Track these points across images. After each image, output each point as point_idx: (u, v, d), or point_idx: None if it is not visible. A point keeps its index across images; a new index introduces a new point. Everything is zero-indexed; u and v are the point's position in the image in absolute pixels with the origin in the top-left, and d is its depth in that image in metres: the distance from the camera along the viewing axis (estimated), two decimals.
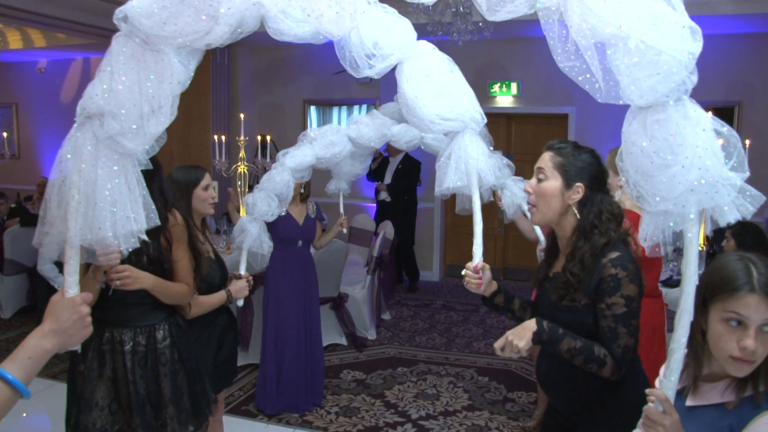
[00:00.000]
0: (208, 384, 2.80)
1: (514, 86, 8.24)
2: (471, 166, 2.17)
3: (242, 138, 6.43)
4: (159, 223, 1.85)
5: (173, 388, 2.58)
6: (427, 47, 2.14)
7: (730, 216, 1.44)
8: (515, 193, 3.75)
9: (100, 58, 1.80)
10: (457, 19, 5.45)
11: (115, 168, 1.74)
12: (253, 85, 9.37)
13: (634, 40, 1.40)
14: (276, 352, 4.48)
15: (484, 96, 7.96)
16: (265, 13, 1.80)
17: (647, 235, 1.53)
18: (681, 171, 1.42)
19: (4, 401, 1.39)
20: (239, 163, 6.47)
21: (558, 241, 2.24)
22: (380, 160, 8.09)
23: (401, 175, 7.97)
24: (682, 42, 1.39)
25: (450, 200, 8.37)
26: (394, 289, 7.81)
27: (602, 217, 2.06)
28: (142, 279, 2.46)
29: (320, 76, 8.75)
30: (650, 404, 1.51)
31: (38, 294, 6.27)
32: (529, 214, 2.47)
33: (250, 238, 3.62)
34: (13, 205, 7.40)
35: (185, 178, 3.06)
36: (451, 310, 7.36)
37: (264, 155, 6.81)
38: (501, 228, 8.45)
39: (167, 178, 2.96)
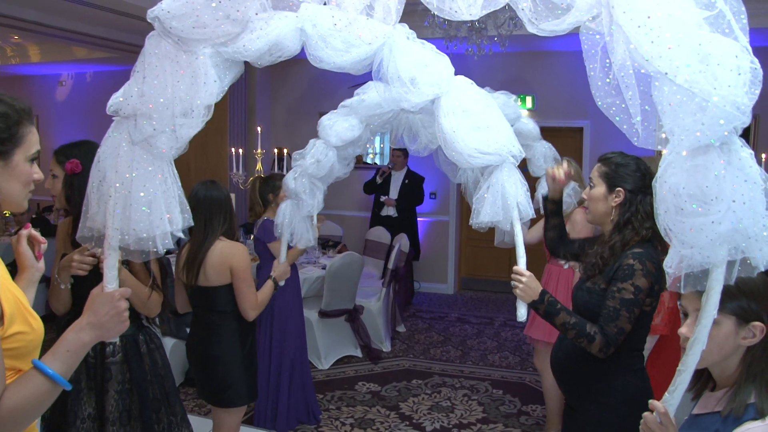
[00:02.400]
0: (180, 416, 2.79)
1: (529, 100, 8.28)
2: (510, 201, 2.22)
3: (259, 151, 6.50)
4: (192, 224, 1.86)
5: (119, 409, 2.54)
6: (465, 82, 2.17)
7: (761, 264, 1.40)
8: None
9: (122, 71, 1.85)
10: (473, 34, 5.49)
11: (150, 169, 1.75)
12: (270, 98, 9.46)
13: (680, 86, 1.31)
14: (283, 369, 4.49)
15: None
16: (306, 40, 1.88)
17: (672, 266, 1.48)
18: (710, 224, 1.35)
19: (45, 394, 1.43)
20: (256, 175, 6.54)
21: (602, 235, 2.56)
22: (386, 174, 8.05)
23: (408, 190, 7.93)
24: (735, 91, 1.28)
25: (465, 213, 8.37)
26: (409, 302, 7.83)
27: (638, 215, 2.34)
28: (122, 271, 2.44)
29: (336, 90, 8.80)
30: (650, 414, 1.57)
31: None
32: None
33: (301, 234, 3.43)
34: (33, 216, 7.51)
35: (227, 193, 3.14)
36: (465, 323, 7.37)
37: (281, 168, 6.88)
38: None
39: (194, 195, 3.06)
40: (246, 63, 1.88)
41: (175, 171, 1.82)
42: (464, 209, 8.79)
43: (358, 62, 1.96)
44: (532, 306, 2.27)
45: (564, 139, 8.29)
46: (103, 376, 2.54)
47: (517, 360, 6.11)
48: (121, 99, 1.73)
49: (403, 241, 6.75)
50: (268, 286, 3.24)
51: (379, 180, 8.07)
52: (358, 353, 6.04)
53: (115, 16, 6.45)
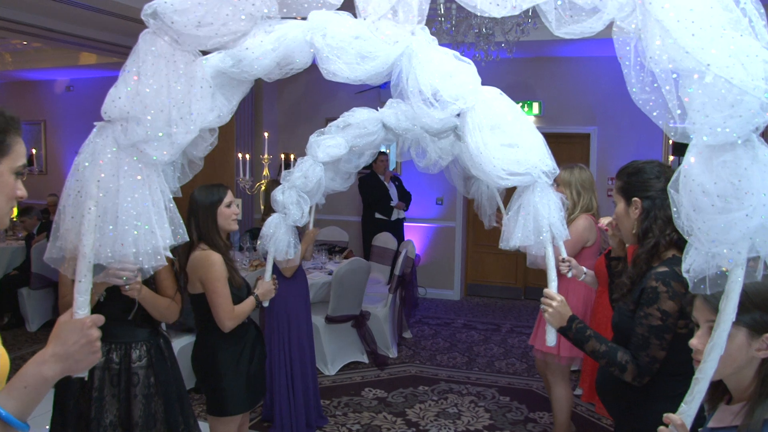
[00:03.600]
0: (192, 418, 2.82)
1: (536, 106, 8.28)
2: (542, 223, 2.15)
3: (266, 156, 6.52)
4: (188, 239, 1.73)
5: (145, 413, 2.55)
6: (493, 93, 2.07)
7: None
8: None
9: None
10: (480, 40, 5.51)
11: (139, 178, 1.59)
12: (277, 103, 9.49)
13: (718, 78, 1.29)
14: (294, 374, 4.50)
15: None
16: (316, 53, 1.82)
17: (691, 270, 1.44)
18: (743, 218, 1.34)
19: None
20: (263, 181, 6.56)
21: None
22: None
23: (401, 191, 8.21)
24: (765, 86, 1.29)
25: (471, 219, 8.30)
26: (415, 308, 7.82)
27: (657, 222, 2.21)
28: (143, 289, 2.49)
29: (343, 95, 8.85)
30: (665, 428, 1.53)
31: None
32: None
33: (280, 247, 3.35)
34: (42, 221, 7.54)
35: (209, 199, 3.08)
36: (472, 329, 7.37)
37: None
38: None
39: (190, 198, 3.04)
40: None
41: (164, 182, 1.69)
42: (470, 215, 8.78)
43: (374, 75, 1.88)
44: (561, 332, 2.23)
45: (571, 145, 8.29)
46: (130, 381, 2.55)
47: (524, 367, 6.10)
48: (112, 101, 1.59)
49: (409, 247, 6.77)
50: (250, 302, 3.14)
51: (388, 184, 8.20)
52: (365, 359, 6.04)
53: (123, 21, 6.48)
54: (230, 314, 2.98)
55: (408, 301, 7.01)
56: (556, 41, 6.81)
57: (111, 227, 1.54)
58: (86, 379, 2.02)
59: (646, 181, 2.25)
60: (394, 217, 8.11)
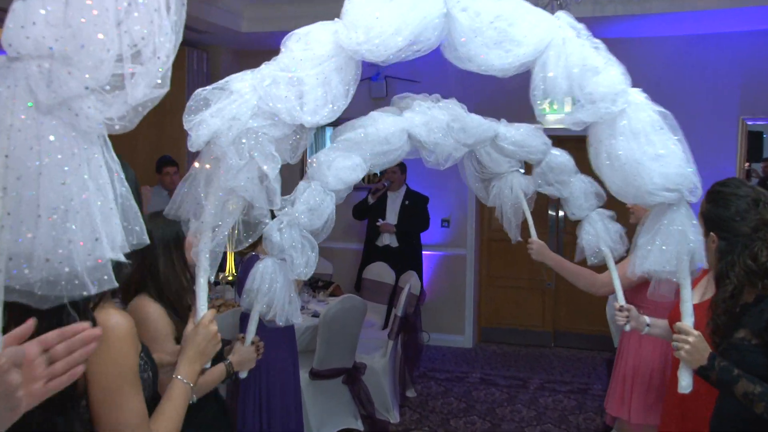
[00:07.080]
0: None
1: (570, 101, 8.02)
2: (683, 249, 2.32)
3: None
4: (148, 241, 1.44)
5: None
6: (641, 97, 2.22)
7: None
8: (599, 233, 3.23)
9: None
10: None
11: (75, 152, 1.28)
12: None
13: None
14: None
15: (530, 115, 7.54)
16: (452, 32, 2.00)
17: None
18: None
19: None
20: None
21: None
22: (381, 193, 7.63)
23: (409, 214, 7.53)
24: None
25: (485, 245, 8.03)
26: (419, 357, 7.45)
27: (734, 268, 2.34)
28: None
29: None
30: None
31: None
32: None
33: (278, 305, 2.85)
34: None
35: (170, 234, 2.75)
36: (491, 386, 7.07)
37: None
38: (551, 281, 8.15)
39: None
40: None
41: (116, 158, 1.38)
42: (485, 240, 8.53)
43: (519, 66, 2.06)
44: (700, 373, 2.29)
45: None
46: None
47: None
48: (21, 27, 1.22)
49: (413, 282, 6.52)
50: (216, 371, 2.74)
51: (371, 200, 7.67)
52: (359, 425, 5.75)
53: None
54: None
55: (412, 349, 6.71)
56: (599, 18, 6.52)
57: (27, 230, 1.22)
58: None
59: (727, 220, 2.39)
60: (381, 242, 7.60)
